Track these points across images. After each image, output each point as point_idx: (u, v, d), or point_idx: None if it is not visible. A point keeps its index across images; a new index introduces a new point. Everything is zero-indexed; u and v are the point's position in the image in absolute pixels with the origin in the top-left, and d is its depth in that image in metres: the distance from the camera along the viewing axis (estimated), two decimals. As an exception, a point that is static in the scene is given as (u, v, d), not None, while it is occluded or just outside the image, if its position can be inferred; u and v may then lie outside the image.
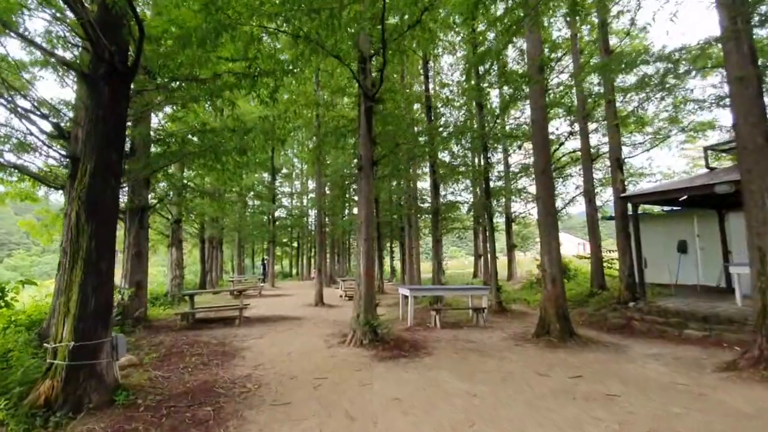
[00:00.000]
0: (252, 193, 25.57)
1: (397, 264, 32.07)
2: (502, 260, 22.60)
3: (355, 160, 16.94)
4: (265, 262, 27.90)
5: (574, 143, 17.71)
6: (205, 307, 10.34)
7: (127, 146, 9.06)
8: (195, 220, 17.26)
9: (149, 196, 10.44)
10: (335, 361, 5.74)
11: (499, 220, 23.40)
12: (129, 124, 9.09)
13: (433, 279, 12.91)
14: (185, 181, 13.77)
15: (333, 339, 7.25)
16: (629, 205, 10.13)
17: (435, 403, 4.08)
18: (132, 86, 5.20)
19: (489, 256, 11.92)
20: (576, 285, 13.59)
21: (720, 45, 6.15)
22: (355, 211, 32.55)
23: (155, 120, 11.47)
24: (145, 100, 7.25)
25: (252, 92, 7.08)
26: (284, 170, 32.71)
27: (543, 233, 7.55)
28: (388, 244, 28.78)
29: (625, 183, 10.64)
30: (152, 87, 5.51)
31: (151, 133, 9.51)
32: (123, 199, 9.69)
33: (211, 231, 21.91)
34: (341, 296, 15.71)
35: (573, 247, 47.08)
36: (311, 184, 35.42)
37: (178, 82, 5.92)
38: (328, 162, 17.97)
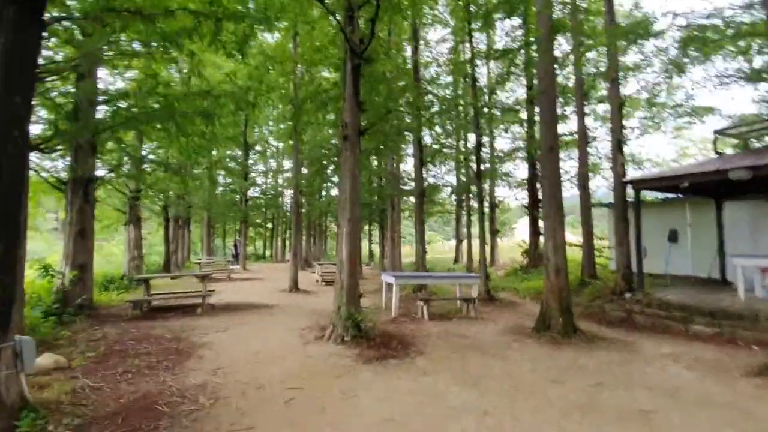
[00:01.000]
0: (223, 172, 23.96)
1: (375, 248, 31.28)
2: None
3: (333, 141, 15.82)
4: (237, 243, 26.49)
5: (562, 128, 17.04)
6: (163, 293, 9.18)
7: (70, 106, 7.69)
8: (157, 196, 15.75)
9: (98, 166, 9.09)
10: (312, 364, 4.83)
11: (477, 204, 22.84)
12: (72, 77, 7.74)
13: (417, 264, 12.15)
14: (145, 153, 12.34)
15: (309, 333, 6.33)
16: (628, 191, 9.60)
17: (441, 426, 3.25)
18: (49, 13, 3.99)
19: (478, 241, 11.19)
20: (563, 273, 13.18)
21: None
22: (333, 192, 31.30)
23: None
24: (87, 47, 5.96)
25: (216, 42, 5.92)
26: (258, 147, 30.96)
27: (547, 218, 6.80)
28: (366, 227, 27.84)
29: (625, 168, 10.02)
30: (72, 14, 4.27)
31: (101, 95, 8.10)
32: (63, 166, 8.33)
33: (177, 209, 20.37)
34: (317, 281, 14.76)
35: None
36: (287, 164, 33.90)
37: (117, 17, 4.68)
38: (305, 139, 16.72)
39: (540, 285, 12.40)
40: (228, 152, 24.27)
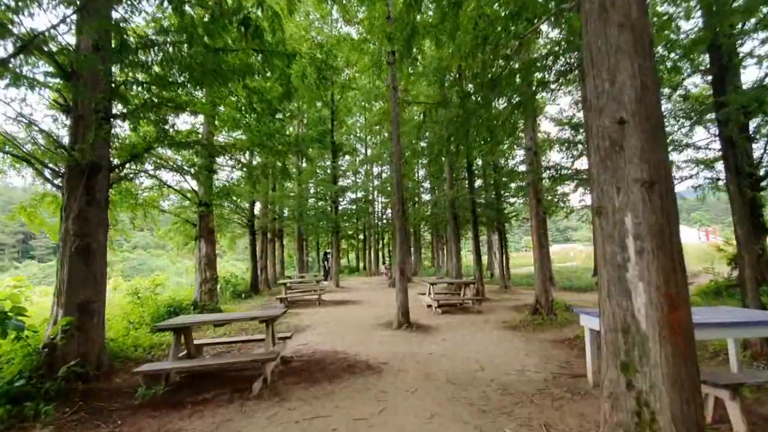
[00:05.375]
0: (312, 180, 21.16)
1: (466, 257, 26.23)
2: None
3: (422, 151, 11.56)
4: (328, 256, 23.82)
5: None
6: (211, 342, 5.97)
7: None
8: (230, 203, 13.32)
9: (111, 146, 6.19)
10: None
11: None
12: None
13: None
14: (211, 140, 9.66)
15: None
16: None
17: None
18: None
19: (743, 245, 6.14)
20: None
21: None
22: (426, 198, 27.11)
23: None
24: None
25: None
26: (346, 155, 28.27)
27: None
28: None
29: None
30: None
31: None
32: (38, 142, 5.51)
33: (264, 220, 18.22)
34: (430, 306, 10.77)
35: (693, 237, 37.97)
36: (376, 169, 30.89)
37: None
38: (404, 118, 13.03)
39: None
40: (316, 157, 21.67)
